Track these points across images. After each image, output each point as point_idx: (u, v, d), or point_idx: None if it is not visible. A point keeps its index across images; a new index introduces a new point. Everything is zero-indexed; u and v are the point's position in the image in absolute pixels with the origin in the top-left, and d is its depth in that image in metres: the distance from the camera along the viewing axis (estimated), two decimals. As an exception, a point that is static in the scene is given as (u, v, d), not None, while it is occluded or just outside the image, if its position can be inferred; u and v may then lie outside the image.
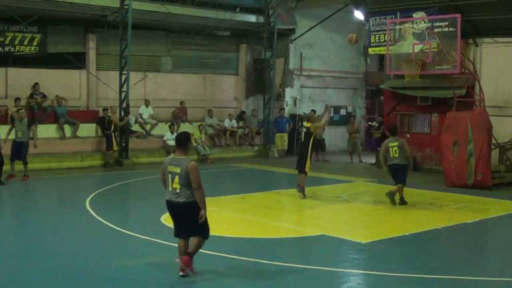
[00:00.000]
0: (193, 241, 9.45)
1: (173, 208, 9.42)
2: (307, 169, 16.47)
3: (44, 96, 23.98)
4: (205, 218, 9.30)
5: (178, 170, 9.22)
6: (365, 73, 32.63)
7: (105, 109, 24.71)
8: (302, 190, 16.60)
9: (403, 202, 15.89)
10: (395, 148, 15.69)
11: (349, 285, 9.51)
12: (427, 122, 24.04)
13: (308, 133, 16.71)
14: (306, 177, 16.72)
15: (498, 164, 21.27)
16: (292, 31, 29.77)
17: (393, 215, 15.11)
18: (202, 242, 9.49)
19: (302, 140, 17.42)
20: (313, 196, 16.97)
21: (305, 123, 17.82)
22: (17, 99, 23.14)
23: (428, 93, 22.92)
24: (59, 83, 24.87)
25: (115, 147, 23.46)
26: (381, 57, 29.75)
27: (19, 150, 19.03)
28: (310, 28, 29.56)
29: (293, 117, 28.98)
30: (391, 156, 15.76)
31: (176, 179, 9.22)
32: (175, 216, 9.50)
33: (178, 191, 9.25)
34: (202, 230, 9.41)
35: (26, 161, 19.25)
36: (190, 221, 9.31)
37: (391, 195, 15.68)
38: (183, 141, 9.46)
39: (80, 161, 23.03)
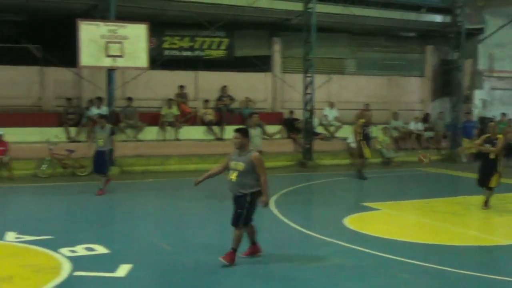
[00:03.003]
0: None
1: None
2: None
3: (231, 99, 24.75)
4: None
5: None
6: None
7: (291, 112, 25.15)
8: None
9: None
10: None
11: (542, 299, 8.95)
12: None
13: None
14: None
15: None
16: (481, 30, 28.67)
17: None
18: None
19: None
20: (503, 203, 16.17)
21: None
22: (206, 101, 24.09)
23: None
24: (246, 86, 25.56)
25: (368, 154, 21.43)
26: None
27: (100, 160, 17.04)
28: (501, 27, 28.27)
29: (482, 120, 27.82)
30: None
31: None
32: None
33: None
34: None
35: (106, 173, 17.40)
36: None
37: None
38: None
39: (265, 162, 23.42)
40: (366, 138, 21.01)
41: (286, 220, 13.68)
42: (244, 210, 9.83)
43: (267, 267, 9.97)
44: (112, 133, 17.25)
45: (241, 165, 9.81)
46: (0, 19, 22.28)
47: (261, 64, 25.81)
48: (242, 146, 9.94)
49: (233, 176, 9.85)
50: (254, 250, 10.32)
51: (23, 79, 23.61)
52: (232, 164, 9.93)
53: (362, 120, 21.27)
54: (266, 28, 26.42)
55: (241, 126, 10.97)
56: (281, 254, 10.76)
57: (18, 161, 20.58)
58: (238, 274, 9.47)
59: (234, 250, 9.86)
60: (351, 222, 13.41)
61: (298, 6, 24.21)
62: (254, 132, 16.81)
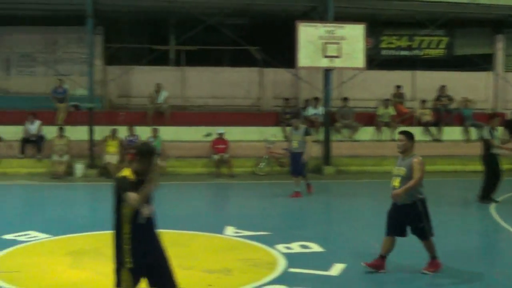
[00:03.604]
0: None
1: None
2: None
3: (450, 99, 24.06)
4: None
5: None
6: None
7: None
8: None
9: None
10: None
11: None
12: None
13: None
14: None
15: None
16: None
17: None
18: None
19: None
20: None
21: None
22: (423, 102, 23.62)
23: None
24: (465, 85, 24.76)
25: None
26: None
27: (296, 162, 16.49)
28: None
29: None
30: None
31: None
32: None
33: None
34: None
35: (305, 175, 16.85)
36: None
37: None
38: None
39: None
40: None
41: (506, 226, 13.03)
42: (424, 223, 9.23)
43: (484, 273, 9.54)
44: (307, 133, 16.66)
45: (403, 170, 9.14)
46: (224, 23, 23.29)
47: (482, 63, 24.86)
48: (406, 150, 9.19)
49: (396, 182, 9.18)
50: (380, 264, 9.39)
51: (244, 80, 24.59)
52: (395, 169, 9.29)
53: None
54: (489, 25, 25.43)
55: (406, 129, 9.88)
56: (500, 262, 10.27)
57: (238, 159, 21.43)
58: (446, 281, 9.16)
59: (434, 258, 9.39)
60: None
61: (526, 1, 23.04)
62: (495, 134, 16.18)
